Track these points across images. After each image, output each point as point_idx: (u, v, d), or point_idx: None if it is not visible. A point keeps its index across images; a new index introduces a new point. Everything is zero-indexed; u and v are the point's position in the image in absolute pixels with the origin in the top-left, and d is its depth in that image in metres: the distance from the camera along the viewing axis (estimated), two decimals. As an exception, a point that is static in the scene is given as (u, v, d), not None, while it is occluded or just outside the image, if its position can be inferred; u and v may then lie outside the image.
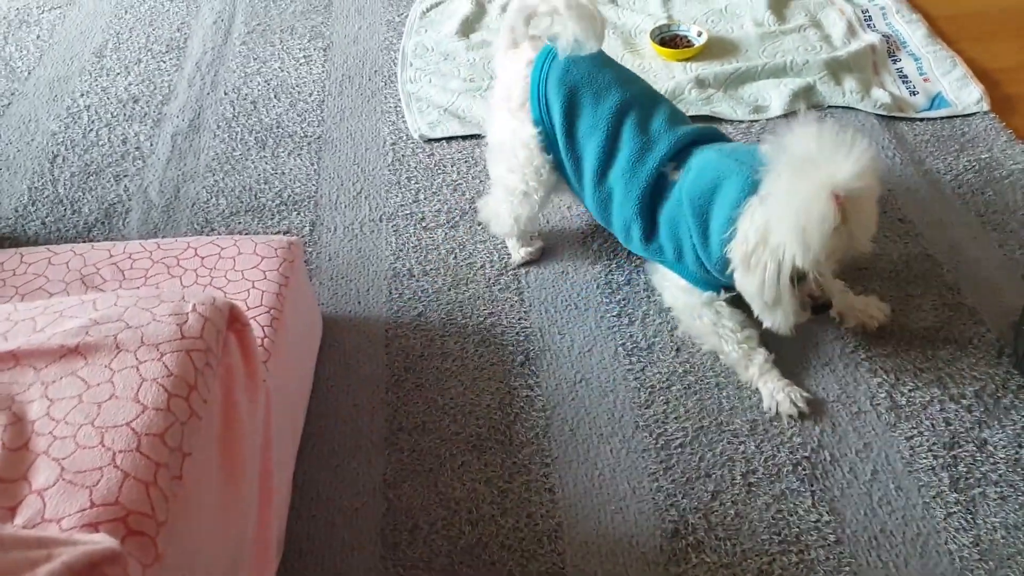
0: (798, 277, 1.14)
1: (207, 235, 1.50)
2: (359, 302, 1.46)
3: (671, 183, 1.25)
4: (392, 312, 1.43)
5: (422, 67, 2.02)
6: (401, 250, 1.55)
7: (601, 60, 1.33)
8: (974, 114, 1.78)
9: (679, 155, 1.26)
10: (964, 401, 1.25)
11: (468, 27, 2.14)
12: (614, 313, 1.40)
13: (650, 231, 1.28)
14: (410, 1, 2.27)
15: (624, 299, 1.42)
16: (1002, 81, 1.89)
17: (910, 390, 1.27)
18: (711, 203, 1.18)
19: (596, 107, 1.28)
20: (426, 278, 1.49)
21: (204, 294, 0.92)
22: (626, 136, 1.27)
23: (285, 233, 1.59)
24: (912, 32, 2.03)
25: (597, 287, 1.45)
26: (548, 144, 1.33)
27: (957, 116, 1.78)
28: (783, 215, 1.09)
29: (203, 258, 1.19)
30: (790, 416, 1.23)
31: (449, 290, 1.46)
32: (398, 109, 1.89)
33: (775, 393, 1.24)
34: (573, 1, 1.24)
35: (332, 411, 1.30)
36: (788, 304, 1.16)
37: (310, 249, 1.56)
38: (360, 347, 1.38)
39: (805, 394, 1.25)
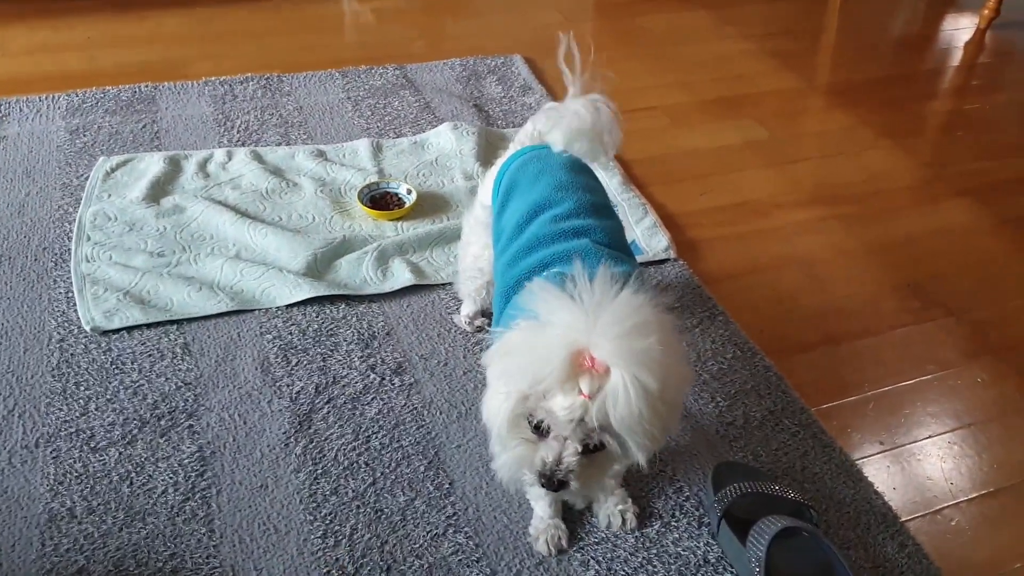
0: (535, 426, 1.05)
1: None
2: (0, 564, 1.19)
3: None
4: (44, 572, 1.18)
5: (101, 241, 1.79)
6: (61, 483, 1.30)
7: (564, 163, 1.39)
8: (665, 260, 1.90)
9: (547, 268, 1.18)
10: (674, 581, 1.25)
11: (159, 190, 1.96)
12: (319, 534, 1.26)
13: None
14: (92, 161, 2.05)
15: (330, 514, 1.29)
16: (686, 226, 2.05)
17: (625, 576, 1.25)
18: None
19: (523, 198, 1.33)
20: (91, 518, 1.25)
21: None
22: (527, 232, 1.26)
23: (-96, 478, 1.29)
24: (609, 179, 2.15)
25: (300, 501, 1.30)
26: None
27: (651, 263, 1.89)
28: (526, 340, 0.98)
29: None
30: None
31: (121, 530, 1.24)
32: (69, 296, 1.65)
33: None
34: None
35: None
36: (512, 448, 1.03)
37: (-63, 498, 1.27)
38: (-1, 627, 1.12)
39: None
